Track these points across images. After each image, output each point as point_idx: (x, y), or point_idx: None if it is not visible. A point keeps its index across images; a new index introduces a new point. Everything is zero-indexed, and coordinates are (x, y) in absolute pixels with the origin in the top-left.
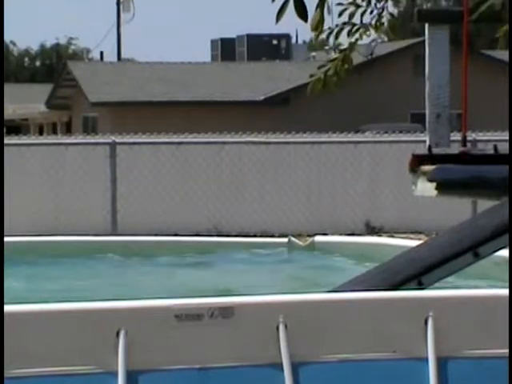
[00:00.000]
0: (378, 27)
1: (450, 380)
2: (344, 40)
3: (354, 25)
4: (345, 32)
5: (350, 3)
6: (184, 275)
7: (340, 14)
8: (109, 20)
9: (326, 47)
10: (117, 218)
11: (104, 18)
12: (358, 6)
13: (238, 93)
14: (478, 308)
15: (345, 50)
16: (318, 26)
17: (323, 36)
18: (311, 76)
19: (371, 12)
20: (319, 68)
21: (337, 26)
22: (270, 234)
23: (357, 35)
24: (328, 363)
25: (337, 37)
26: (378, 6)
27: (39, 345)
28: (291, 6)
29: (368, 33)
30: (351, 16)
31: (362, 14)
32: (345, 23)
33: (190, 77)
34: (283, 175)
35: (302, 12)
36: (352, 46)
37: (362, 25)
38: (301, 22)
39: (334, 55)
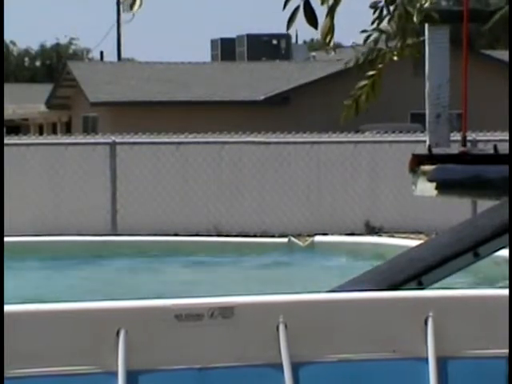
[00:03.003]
0: (403, 50)
1: (449, 380)
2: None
3: (380, 50)
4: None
5: (374, 29)
6: (183, 275)
7: (365, 41)
8: (109, 20)
9: (327, 48)
10: (117, 217)
11: (104, 18)
12: (382, 32)
13: (237, 93)
14: (478, 308)
15: (373, 75)
16: (327, 35)
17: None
18: (345, 105)
19: (395, 36)
20: (351, 96)
21: (363, 54)
22: (270, 234)
23: (383, 60)
24: (328, 363)
25: (363, 63)
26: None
27: (39, 345)
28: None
29: (395, 57)
30: (376, 42)
31: (387, 39)
32: (371, 49)
33: (189, 77)
34: (283, 175)
35: (312, 20)
36: (380, 71)
37: (388, 49)
38: (301, 22)
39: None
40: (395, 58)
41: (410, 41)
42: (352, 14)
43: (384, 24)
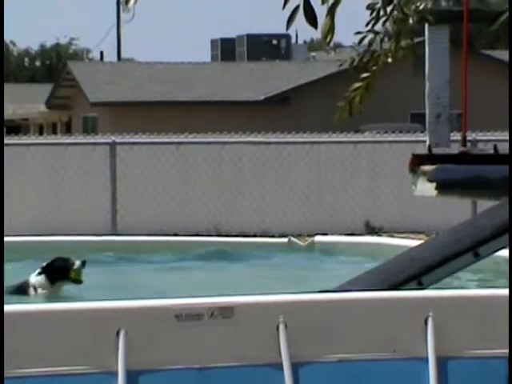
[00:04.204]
0: (397, 51)
1: (449, 380)
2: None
3: (374, 52)
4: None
5: (369, 31)
6: (184, 275)
7: (360, 42)
8: (109, 20)
9: (326, 47)
10: (117, 217)
11: (104, 18)
12: (376, 33)
13: (238, 93)
14: (478, 308)
15: (367, 77)
16: (328, 34)
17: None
18: (338, 106)
19: (389, 38)
20: (345, 97)
21: (358, 54)
22: (270, 234)
23: (378, 62)
24: (328, 363)
25: (359, 64)
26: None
27: (39, 345)
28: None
29: (389, 59)
30: (371, 43)
31: (381, 41)
32: (366, 51)
33: (189, 77)
34: (283, 175)
35: (311, 19)
36: (374, 73)
37: (382, 50)
38: (301, 22)
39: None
40: (389, 60)
41: (404, 43)
42: (353, 13)
43: (379, 26)
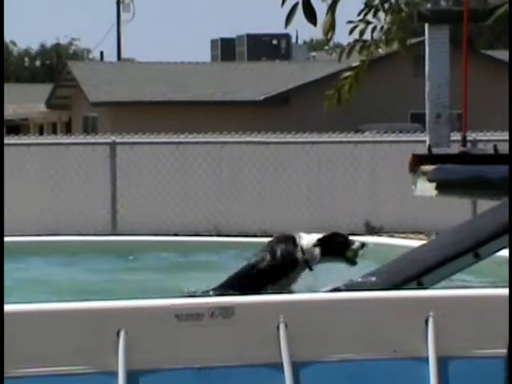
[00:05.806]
0: (388, 42)
1: (450, 380)
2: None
3: (365, 42)
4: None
5: (360, 20)
6: (184, 275)
7: (351, 32)
8: (109, 20)
9: (326, 47)
10: (117, 217)
11: (104, 18)
12: (368, 23)
13: (238, 93)
14: (478, 308)
15: (356, 67)
16: (329, 31)
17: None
18: (326, 94)
19: (381, 28)
20: (334, 86)
21: (348, 43)
22: (269, 234)
23: (368, 51)
24: (328, 363)
25: (349, 55)
26: (387, 20)
27: (39, 345)
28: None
29: (380, 49)
30: (362, 33)
31: (373, 31)
32: (356, 40)
33: (189, 77)
34: (283, 175)
35: (311, 16)
36: (364, 62)
37: (373, 41)
38: (301, 22)
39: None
40: (380, 50)
41: (394, 35)
42: (353, 13)
43: (370, 16)
